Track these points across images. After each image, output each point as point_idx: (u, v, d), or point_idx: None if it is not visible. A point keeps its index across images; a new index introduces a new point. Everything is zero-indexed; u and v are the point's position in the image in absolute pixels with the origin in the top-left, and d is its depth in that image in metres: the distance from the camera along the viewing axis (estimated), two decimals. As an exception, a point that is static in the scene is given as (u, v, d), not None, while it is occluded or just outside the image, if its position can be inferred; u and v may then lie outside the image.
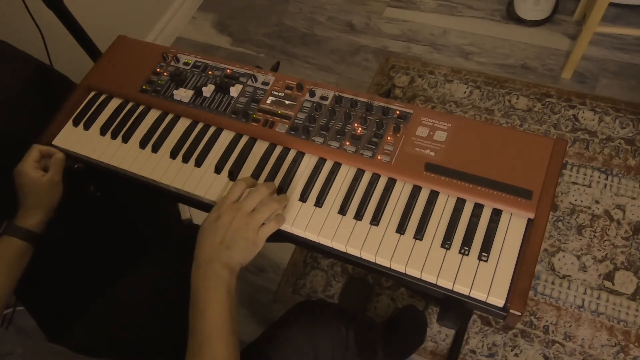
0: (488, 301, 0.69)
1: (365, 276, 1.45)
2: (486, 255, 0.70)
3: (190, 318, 0.68)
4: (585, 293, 1.32)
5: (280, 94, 0.91)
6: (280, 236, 0.80)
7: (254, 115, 0.89)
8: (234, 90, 0.92)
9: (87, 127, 0.95)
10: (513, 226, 0.73)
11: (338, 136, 0.84)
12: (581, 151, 1.53)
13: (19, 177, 0.85)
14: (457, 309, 0.75)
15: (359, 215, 0.77)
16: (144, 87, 0.96)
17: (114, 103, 0.98)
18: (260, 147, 0.87)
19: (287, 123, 0.87)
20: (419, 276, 0.72)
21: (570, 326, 1.28)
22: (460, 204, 0.75)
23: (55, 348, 0.63)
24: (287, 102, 0.90)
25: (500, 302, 0.68)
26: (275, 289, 1.46)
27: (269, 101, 0.90)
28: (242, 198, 0.75)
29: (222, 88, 0.93)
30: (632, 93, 1.61)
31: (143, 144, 0.91)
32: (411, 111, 0.85)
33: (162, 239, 1.07)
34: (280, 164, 0.84)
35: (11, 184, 0.86)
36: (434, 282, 0.71)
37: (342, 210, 0.78)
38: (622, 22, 1.76)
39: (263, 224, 0.74)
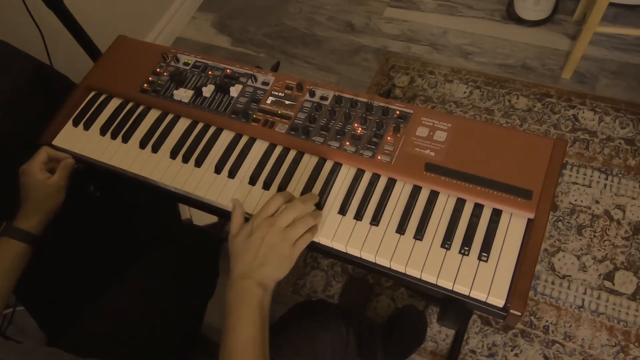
0: (488, 301, 0.69)
1: (365, 276, 1.45)
2: (486, 255, 0.70)
3: (221, 333, 0.67)
4: (585, 293, 1.32)
5: (280, 94, 0.91)
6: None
7: (254, 115, 0.89)
8: (234, 90, 0.92)
9: (87, 127, 0.95)
10: (513, 226, 0.73)
11: (338, 136, 0.84)
12: (581, 151, 1.53)
13: (24, 176, 0.85)
14: (457, 309, 0.75)
15: (359, 216, 0.77)
16: (144, 87, 0.96)
17: (114, 103, 0.98)
18: (260, 147, 0.87)
19: (287, 123, 0.87)
20: (419, 276, 0.72)
21: (570, 326, 1.28)
22: (460, 204, 0.75)
23: (52, 351, 0.63)
24: (287, 102, 0.90)
25: (500, 302, 0.68)
26: (276, 289, 1.46)
27: (269, 101, 0.90)
28: (277, 213, 0.73)
29: (222, 88, 0.93)
30: (632, 93, 1.61)
31: (143, 144, 0.91)
32: (411, 111, 0.85)
33: (162, 239, 1.06)
34: (280, 164, 0.84)
35: (10, 184, 0.86)
36: (434, 282, 0.71)
37: (342, 211, 0.78)
38: (622, 22, 1.76)
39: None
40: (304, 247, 0.73)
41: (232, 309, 0.67)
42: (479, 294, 0.69)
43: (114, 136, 0.93)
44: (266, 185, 0.82)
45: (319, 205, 0.78)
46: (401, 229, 0.75)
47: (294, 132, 0.86)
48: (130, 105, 0.97)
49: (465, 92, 1.72)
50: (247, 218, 0.76)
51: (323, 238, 0.76)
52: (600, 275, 1.33)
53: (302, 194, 0.80)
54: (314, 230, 0.75)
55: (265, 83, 0.93)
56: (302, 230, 0.72)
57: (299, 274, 1.48)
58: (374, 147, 0.82)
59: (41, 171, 0.86)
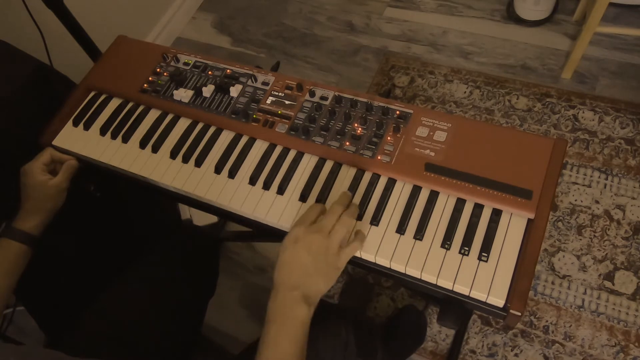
0: (488, 301, 0.69)
1: (365, 276, 1.45)
2: (486, 255, 0.70)
3: (259, 344, 0.65)
4: (585, 293, 1.32)
5: (280, 94, 0.91)
6: (281, 237, 0.79)
7: (254, 115, 0.89)
8: (234, 90, 0.92)
9: (87, 127, 0.95)
10: (513, 226, 0.73)
11: (338, 136, 0.84)
12: (581, 151, 1.53)
13: (25, 177, 0.85)
14: (457, 309, 0.75)
15: (358, 216, 0.77)
16: (144, 87, 0.96)
17: (114, 103, 0.98)
18: (260, 147, 0.87)
19: (287, 123, 0.87)
20: (419, 276, 0.72)
21: (570, 326, 1.28)
22: (460, 204, 0.75)
23: (51, 353, 0.63)
24: (287, 102, 0.90)
25: (500, 302, 0.68)
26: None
27: (269, 101, 0.90)
28: (317, 220, 0.72)
29: (222, 88, 0.93)
30: (632, 93, 1.61)
31: (143, 144, 0.91)
32: (411, 111, 0.85)
33: (162, 239, 1.06)
34: (280, 164, 0.84)
35: (10, 184, 0.86)
36: (434, 282, 0.71)
37: (342, 211, 0.78)
38: (622, 22, 1.76)
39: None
40: (350, 256, 0.71)
41: (274, 321, 0.65)
42: (479, 294, 0.69)
43: (114, 136, 0.93)
44: (266, 185, 0.82)
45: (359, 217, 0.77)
46: (401, 229, 0.75)
47: (294, 132, 0.86)
48: (130, 105, 0.97)
49: (465, 92, 1.72)
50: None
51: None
52: (600, 275, 1.33)
53: (301, 194, 0.80)
54: (362, 238, 0.73)
55: (265, 83, 0.93)
56: (343, 232, 0.70)
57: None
58: (374, 147, 0.82)
59: (42, 172, 0.86)
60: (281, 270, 0.68)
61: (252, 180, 0.83)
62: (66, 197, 0.89)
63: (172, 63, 0.99)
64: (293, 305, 0.66)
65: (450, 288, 0.70)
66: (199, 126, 0.91)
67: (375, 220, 0.76)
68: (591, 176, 1.48)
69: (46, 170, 0.87)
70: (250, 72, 0.95)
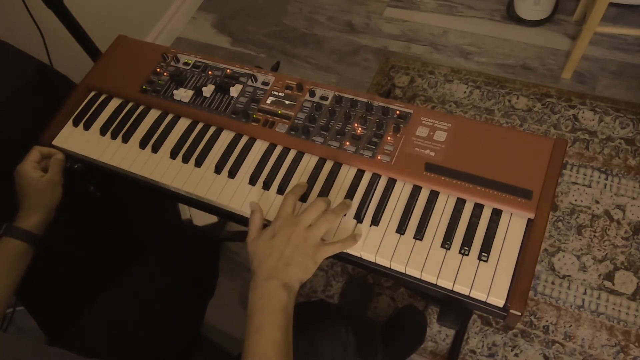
0: (488, 301, 0.69)
1: (365, 276, 1.45)
2: (486, 255, 0.70)
3: (245, 336, 0.66)
4: (585, 293, 1.32)
5: (280, 94, 0.91)
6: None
7: (254, 115, 0.89)
8: (234, 90, 0.92)
9: (87, 127, 0.95)
10: (513, 226, 0.73)
11: (338, 136, 0.84)
12: (581, 151, 1.53)
13: (19, 177, 0.86)
14: (457, 309, 0.75)
15: (358, 216, 0.77)
16: (144, 87, 0.96)
17: (114, 103, 0.98)
18: (260, 147, 0.87)
19: (287, 123, 0.87)
20: (419, 276, 0.72)
21: (570, 326, 1.28)
22: (460, 204, 0.75)
23: (59, 352, 0.63)
24: (287, 102, 0.90)
25: (500, 302, 0.68)
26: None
27: (269, 101, 0.90)
28: (297, 212, 0.73)
29: (222, 88, 0.93)
30: (632, 93, 1.61)
31: (143, 144, 0.91)
32: (411, 111, 0.85)
33: (162, 239, 1.06)
34: (280, 164, 0.84)
35: (10, 184, 0.86)
36: (434, 282, 0.71)
37: (342, 210, 0.78)
38: (622, 22, 1.76)
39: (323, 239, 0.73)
40: (330, 253, 0.72)
41: (256, 311, 0.66)
42: (479, 294, 0.69)
43: (114, 136, 0.93)
44: (266, 185, 0.82)
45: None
46: (401, 229, 0.75)
47: (294, 132, 0.86)
48: (130, 105, 0.97)
49: (465, 92, 1.72)
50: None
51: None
52: (600, 275, 1.33)
53: (303, 194, 0.80)
54: (348, 242, 0.73)
55: (265, 83, 0.93)
56: (324, 228, 0.72)
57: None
58: (374, 147, 0.82)
59: (34, 170, 0.86)
60: (260, 263, 0.70)
61: (252, 180, 0.83)
62: (66, 196, 0.89)
63: (172, 63, 0.99)
64: (272, 294, 0.67)
65: (450, 288, 0.70)
66: (199, 126, 0.91)
67: (375, 220, 0.76)
68: (591, 176, 1.48)
69: (37, 168, 0.87)
70: (250, 72, 0.95)
